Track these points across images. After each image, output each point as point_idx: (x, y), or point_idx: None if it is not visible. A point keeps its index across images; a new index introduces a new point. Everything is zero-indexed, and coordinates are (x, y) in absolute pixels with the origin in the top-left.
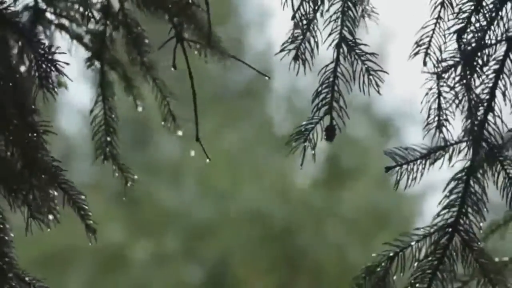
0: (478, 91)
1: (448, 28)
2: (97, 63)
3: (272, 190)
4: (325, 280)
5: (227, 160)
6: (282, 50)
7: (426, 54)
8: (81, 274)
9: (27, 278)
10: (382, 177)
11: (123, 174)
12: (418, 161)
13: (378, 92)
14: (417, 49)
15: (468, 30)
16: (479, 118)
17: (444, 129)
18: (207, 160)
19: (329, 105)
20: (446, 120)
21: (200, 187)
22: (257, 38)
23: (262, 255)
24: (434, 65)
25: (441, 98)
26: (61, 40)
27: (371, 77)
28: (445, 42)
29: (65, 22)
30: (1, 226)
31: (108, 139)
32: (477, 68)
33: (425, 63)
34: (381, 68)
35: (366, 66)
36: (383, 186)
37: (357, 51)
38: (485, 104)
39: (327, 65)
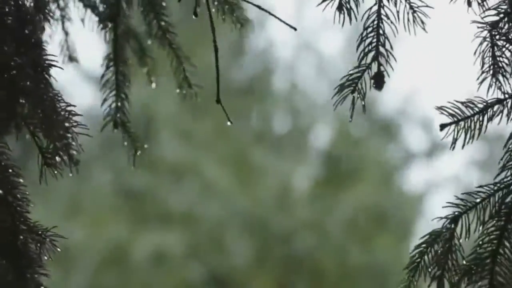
0: None
1: None
2: (110, 25)
3: (272, 190)
4: (325, 280)
5: (227, 160)
6: (324, 0)
7: None
8: (83, 270)
9: (39, 231)
10: (382, 177)
11: (132, 143)
12: (476, 117)
13: (424, 29)
14: None
15: None
16: None
17: (500, 77)
18: (228, 123)
19: (376, 50)
20: (502, 68)
21: (202, 186)
22: (258, 37)
23: (263, 255)
24: (479, 3)
25: (495, 48)
26: (75, 9)
27: (415, 14)
28: None
29: None
30: (16, 180)
31: (119, 105)
32: None
33: (469, 3)
34: (425, 3)
35: (409, 2)
36: (383, 187)
37: None
38: None
39: (370, 8)
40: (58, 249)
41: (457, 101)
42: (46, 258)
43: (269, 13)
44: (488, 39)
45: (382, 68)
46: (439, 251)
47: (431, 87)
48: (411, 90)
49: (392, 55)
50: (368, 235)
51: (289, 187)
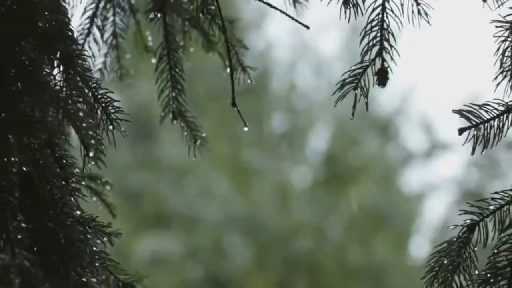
0: None
1: None
2: (159, 15)
3: (271, 190)
4: (324, 280)
5: (226, 160)
6: None
7: None
8: None
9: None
10: (381, 177)
11: (191, 132)
12: (496, 120)
13: (428, 22)
14: None
15: None
16: None
17: None
18: (245, 128)
19: (380, 44)
20: None
21: (201, 187)
22: (256, 38)
23: (262, 256)
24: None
25: None
26: None
27: (419, 7)
28: None
29: None
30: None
31: (174, 94)
32: None
33: None
34: None
35: None
36: (382, 187)
37: None
38: None
39: (375, 0)
40: (105, 239)
41: (474, 104)
42: (95, 250)
43: (280, 10)
44: (510, 39)
45: (386, 64)
46: (454, 260)
47: (430, 87)
48: (410, 90)
49: (396, 50)
50: (367, 235)
51: (288, 187)
